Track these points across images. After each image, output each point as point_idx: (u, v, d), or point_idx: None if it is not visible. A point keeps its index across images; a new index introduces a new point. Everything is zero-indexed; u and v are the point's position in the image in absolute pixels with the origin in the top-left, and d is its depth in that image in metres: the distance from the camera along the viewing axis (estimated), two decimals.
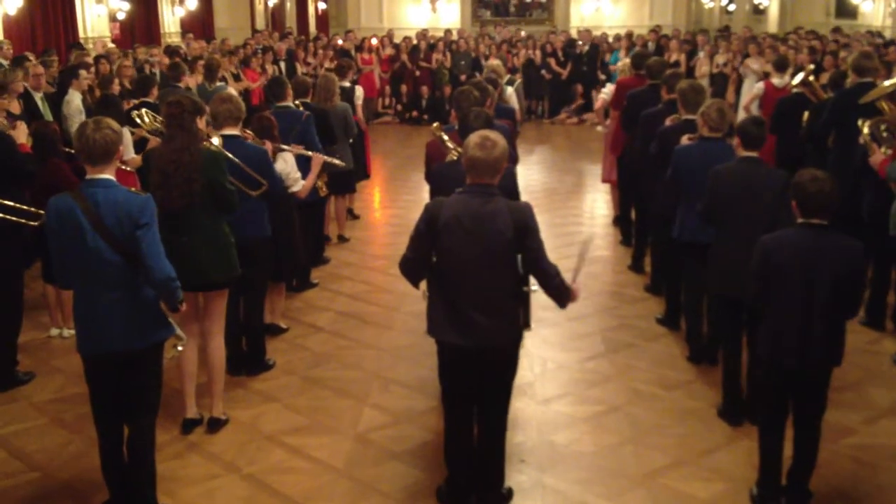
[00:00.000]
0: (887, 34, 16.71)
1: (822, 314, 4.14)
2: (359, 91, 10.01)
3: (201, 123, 5.06)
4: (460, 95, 5.96)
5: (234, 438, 5.15)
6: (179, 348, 4.40)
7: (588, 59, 17.91)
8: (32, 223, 5.74)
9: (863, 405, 5.51)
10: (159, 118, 5.96)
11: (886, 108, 6.18)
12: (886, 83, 6.30)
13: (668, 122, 6.64)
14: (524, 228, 4.02)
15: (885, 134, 6.22)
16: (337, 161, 6.91)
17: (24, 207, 5.77)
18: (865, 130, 6.30)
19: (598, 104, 11.04)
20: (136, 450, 4.23)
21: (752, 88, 10.99)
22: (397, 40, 18.87)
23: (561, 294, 4.20)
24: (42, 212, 5.36)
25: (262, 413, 5.46)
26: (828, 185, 4.10)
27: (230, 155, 5.32)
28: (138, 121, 6.79)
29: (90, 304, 4.03)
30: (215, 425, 5.24)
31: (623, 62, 10.20)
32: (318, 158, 6.49)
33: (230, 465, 4.86)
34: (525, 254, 4.12)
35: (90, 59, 11.34)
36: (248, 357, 6.04)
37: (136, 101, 8.22)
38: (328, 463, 4.88)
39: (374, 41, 18.36)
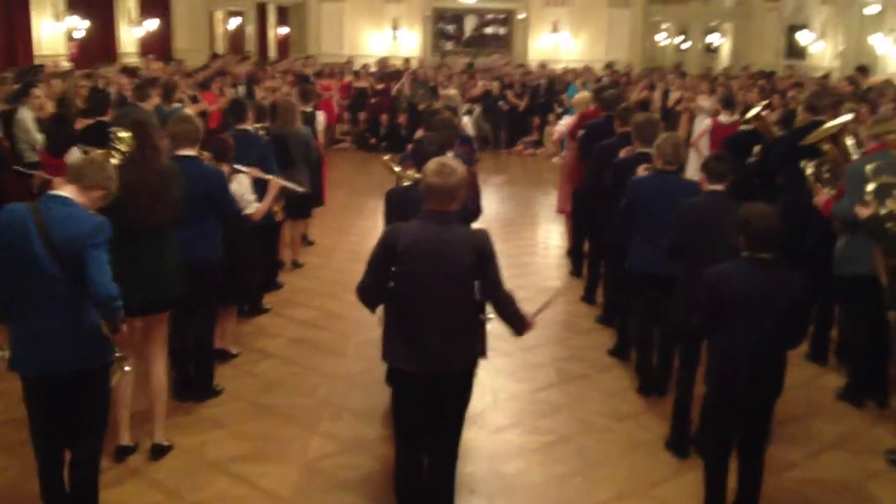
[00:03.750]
0: (835, 76, 17.14)
1: (768, 346, 4.22)
2: (320, 116, 10.02)
3: (166, 142, 5.06)
4: (441, 123, 5.99)
5: (179, 465, 5.06)
6: (127, 368, 4.32)
7: (545, 92, 18.15)
8: None
9: (806, 439, 5.58)
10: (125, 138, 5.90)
11: (829, 149, 6.31)
12: (827, 125, 6.43)
13: (623, 153, 6.73)
14: (482, 255, 4.04)
15: (826, 175, 6.34)
16: (295, 185, 6.89)
17: None
18: (809, 171, 6.43)
19: (555, 136, 11.15)
20: (79, 476, 4.13)
21: (702, 125, 11.17)
22: (357, 67, 18.93)
23: (517, 322, 4.22)
24: None
25: (209, 440, 5.37)
26: (774, 220, 4.19)
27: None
28: (115, 144, 6.70)
29: (29, 322, 3.93)
30: (159, 452, 5.13)
31: (580, 95, 10.32)
32: (276, 182, 6.46)
33: (173, 493, 4.77)
34: (483, 280, 4.13)
35: (45, 78, 11.20)
36: (195, 382, 5.94)
37: (90, 121, 8.11)
38: (274, 492, 4.81)
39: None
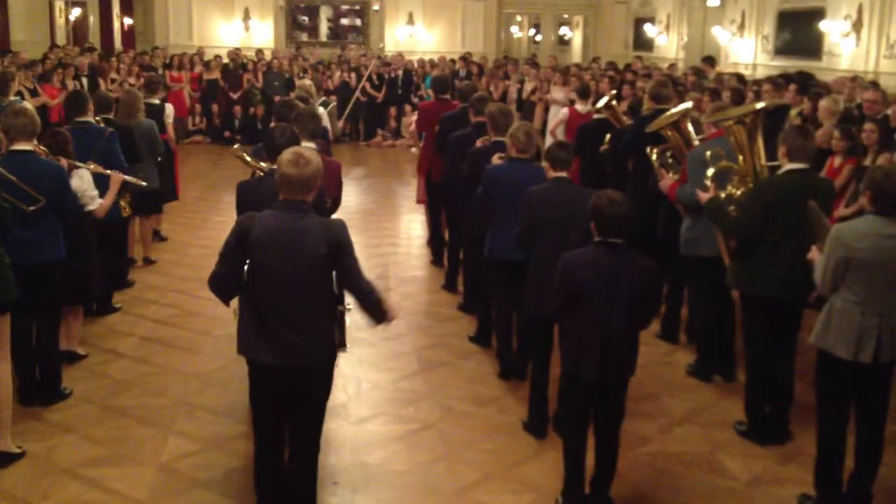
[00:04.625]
0: (680, 67, 17.87)
1: (619, 327, 4.36)
2: (169, 109, 9.70)
3: None
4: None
5: (27, 472, 4.80)
6: None
7: (402, 83, 18.18)
8: None
9: (659, 414, 5.80)
10: None
11: (671, 136, 6.57)
12: (668, 112, 6.70)
13: (478, 143, 6.81)
14: (338, 244, 3.99)
15: (670, 160, 6.61)
16: (138, 181, 6.64)
17: None
18: (654, 157, 6.68)
19: (412, 126, 11.19)
20: None
21: (558, 114, 11.45)
22: (208, 58, 18.42)
23: (378, 312, 4.19)
24: None
25: (58, 445, 5.12)
26: (623, 207, 4.34)
27: (2, 170, 5.02)
28: None
29: None
30: (5, 459, 4.85)
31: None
32: (117, 177, 6.22)
33: (21, 502, 4.53)
34: (340, 271, 4.09)
35: None
36: (41, 385, 5.66)
37: None
38: (129, 495, 4.63)
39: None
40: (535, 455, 5.18)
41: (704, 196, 5.62)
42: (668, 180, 6.50)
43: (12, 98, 10.11)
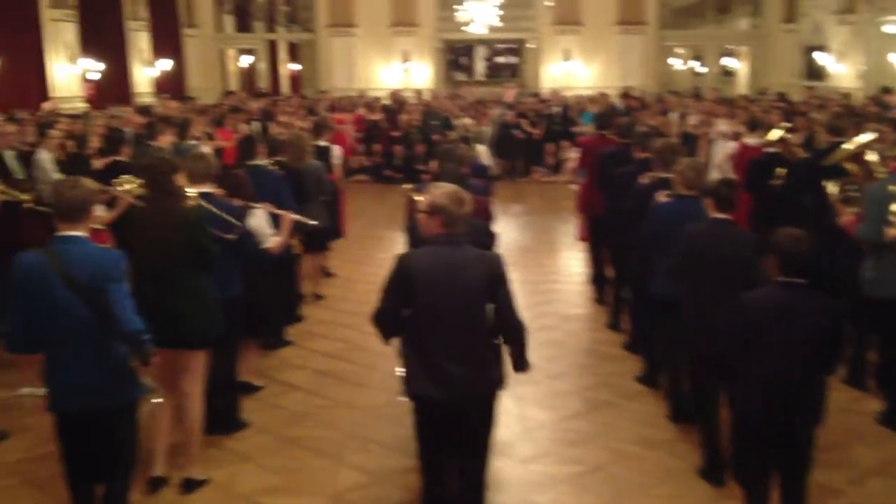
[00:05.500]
0: (857, 96, 17.01)
1: (802, 371, 4.14)
2: (336, 150, 10.01)
3: (181, 180, 5.04)
4: (445, 153, 5.99)
5: (209, 498, 5.02)
6: (158, 400, 4.30)
7: (560, 119, 18.15)
8: None
9: (848, 465, 5.46)
10: (136, 180, 5.91)
11: (852, 169, 6.24)
12: (846, 145, 6.38)
13: (643, 179, 6.67)
14: (496, 277, 4.04)
15: (853, 195, 6.26)
16: (307, 220, 6.87)
17: None
18: (832, 191, 6.35)
19: (570, 163, 11.13)
20: None
21: (725, 148, 11.11)
22: (369, 100, 19.00)
23: (520, 355, 4.22)
24: None
25: (237, 473, 5.32)
26: (806, 244, 4.15)
27: (209, 205, 5.30)
28: (122, 187, 6.71)
29: (60, 362, 3.94)
30: (191, 486, 5.09)
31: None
32: (287, 217, 6.44)
33: None
34: (497, 300, 4.10)
35: (61, 118, 11.28)
36: (221, 415, 5.89)
37: (108, 160, 8.14)
38: None
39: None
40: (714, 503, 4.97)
41: (892, 232, 5.30)
42: (846, 216, 6.17)
43: (191, 142, 10.70)
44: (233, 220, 5.45)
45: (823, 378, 4.26)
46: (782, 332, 4.12)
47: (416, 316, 4.08)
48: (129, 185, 6.31)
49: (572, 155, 11.17)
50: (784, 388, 4.14)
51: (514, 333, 4.18)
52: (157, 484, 5.07)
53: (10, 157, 8.62)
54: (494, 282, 4.04)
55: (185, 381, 5.11)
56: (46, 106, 14.00)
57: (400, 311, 4.11)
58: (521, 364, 4.26)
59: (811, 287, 4.18)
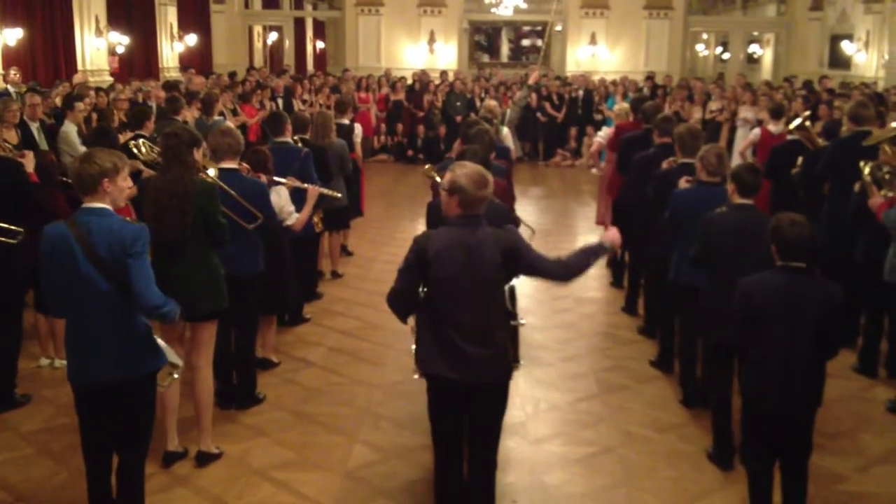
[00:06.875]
0: (880, 85, 16.87)
1: (803, 356, 4.17)
2: (357, 129, 10.06)
3: (198, 155, 5.07)
4: (477, 134, 6.00)
5: (223, 472, 5.09)
6: (175, 376, 4.36)
7: (583, 103, 18.11)
8: (10, 241, 5.61)
9: (856, 452, 5.47)
10: (156, 149, 5.96)
11: (889, 152, 6.20)
12: (893, 124, 6.31)
13: (665, 165, 6.66)
14: (513, 249, 4.03)
15: (887, 176, 6.20)
16: (333, 192, 6.92)
17: (3, 225, 5.65)
18: (866, 171, 6.30)
19: (593, 147, 11.12)
20: (126, 482, 4.17)
21: (748, 135, 11.08)
22: (394, 80, 19.01)
23: (592, 255, 4.21)
24: (19, 229, 5.45)
25: (252, 447, 5.41)
26: (806, 229, 4.17)
27: (226, 187, 5.33)
28: (135, 151, 6.78)
29: (82, 334, 4.00)
30: (205, 459, 5.17)
31: (619, 106, 10.28)
32: (314, 191, 6.49)
33: (217, 500, 4.80)
34: (528, 268, 4.11)
35: (89, 91, 11.38)
36: (238, 390, 5.99)
37: (131, 134, 8.23)
38: (317, 499, 4.82)
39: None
40: (721, 487, 5.01)
41: None
42: (877, 198, 6.11)
43: (216, 118, 10.78)
44: (253, 209, 5.49)
45: (822, 363, 4.28)
46: (780, 316, 4.16)
47: (431, 296, 4.11)
48: (144, 149, 6.41)
49: (595, 139, 11.16)
50: (784, 371, 4.17)
51: (567, 269, 4.16)
52: (171, 458, 5.14)
53: (35, 129, 8.74)
54: (514, 256, 4.02)
55: (193, 354, 5.17)
56: (77, 78, 14.13)
57: (415, 292, 4.14)
58: (600, 252, 4.26)
59: (813, 271, 4.21)
